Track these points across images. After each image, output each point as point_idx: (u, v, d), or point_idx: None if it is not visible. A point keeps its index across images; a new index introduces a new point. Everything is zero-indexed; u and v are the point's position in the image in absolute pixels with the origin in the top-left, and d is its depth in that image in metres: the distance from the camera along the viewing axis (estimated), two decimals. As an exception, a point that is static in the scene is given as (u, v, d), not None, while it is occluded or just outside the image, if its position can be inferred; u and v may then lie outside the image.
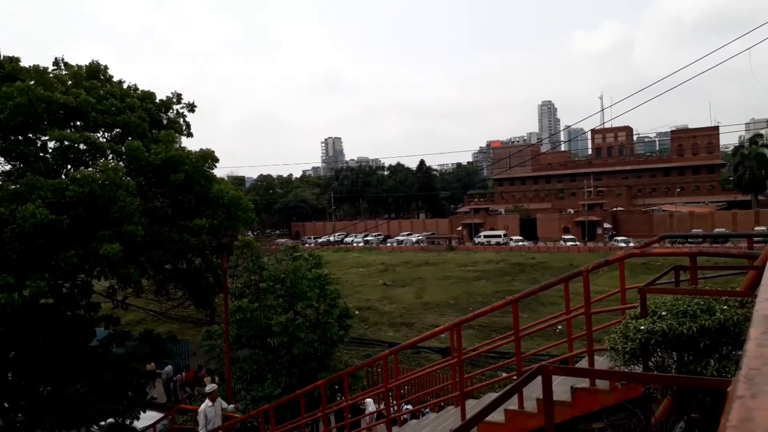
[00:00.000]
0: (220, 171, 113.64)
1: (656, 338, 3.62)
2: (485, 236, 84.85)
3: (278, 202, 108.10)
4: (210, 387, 11.54)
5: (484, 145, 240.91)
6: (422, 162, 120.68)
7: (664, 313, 3.70)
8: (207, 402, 11.17)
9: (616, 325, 4.41)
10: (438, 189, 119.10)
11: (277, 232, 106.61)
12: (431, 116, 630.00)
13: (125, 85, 15.78)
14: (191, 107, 17.77)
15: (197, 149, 15.86)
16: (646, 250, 6.36)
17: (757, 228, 66.15)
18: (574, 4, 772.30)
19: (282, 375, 13.62)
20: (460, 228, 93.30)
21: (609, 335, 4.27)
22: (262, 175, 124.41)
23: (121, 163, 13.09)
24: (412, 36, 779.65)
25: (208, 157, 14.82)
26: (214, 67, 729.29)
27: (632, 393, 5.78)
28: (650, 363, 3.83)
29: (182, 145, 19.03)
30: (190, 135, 18.49)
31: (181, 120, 17.99)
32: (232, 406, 12.20)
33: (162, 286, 17.84)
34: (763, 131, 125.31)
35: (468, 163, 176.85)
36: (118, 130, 14.06)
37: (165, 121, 17.22)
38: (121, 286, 14.45)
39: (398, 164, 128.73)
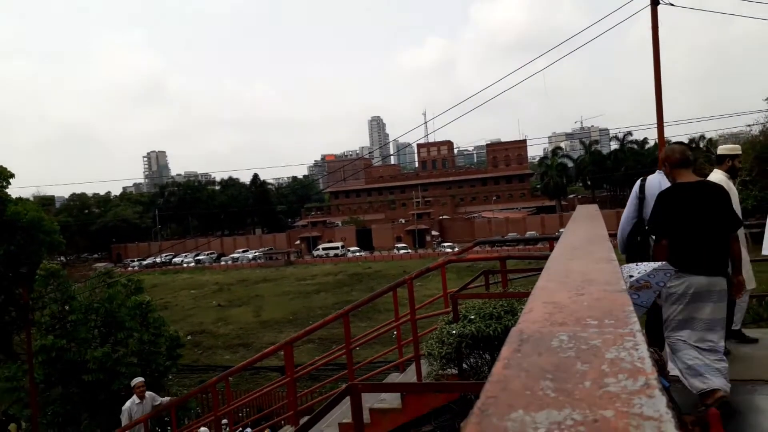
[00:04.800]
0: (23, 191, 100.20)
1: (467, 341, 3.85)
2: (323, 249, 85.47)
3: (95, 222, 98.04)
4: (136, 380, 9.61)
5: (319, 158, 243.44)
6: (256, 176, 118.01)
7: (473, 317, 3.95)
8: (134, 398, 9.36)
9: (433, 331, 4.62)
10: (274, 203, 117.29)
11: (95, 255, 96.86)
12: (263, 129, 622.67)
13: None
14: (-21, 118, 15.48)
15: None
16: (462, 256, 6.80)
17: (561, 230, 75.13)
18: (398, 22, 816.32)
19: (101, 414, 12.29)
20: (298, 242, 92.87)
21: (427, 341, 4.46)
22: (75, 194, 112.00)
23: None
24: (240, 49, 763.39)
25: (0, 175, 12.95)
26: (6, 73, 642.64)
27: (456, 394, 6.12)
28: (465, 365, 4.07)
29: (-31, 162, 16.48)
30: (-22, 150, 16.10)
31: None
32: (168, 398, 10.37)
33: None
34: (562, 144, 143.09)
35: (304, 176, 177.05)
36: None
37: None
38: None
39: (230, 178, 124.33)
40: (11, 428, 19.97)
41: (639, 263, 4.18)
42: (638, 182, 4.89)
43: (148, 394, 9.55)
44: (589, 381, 0.68)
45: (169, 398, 10.74)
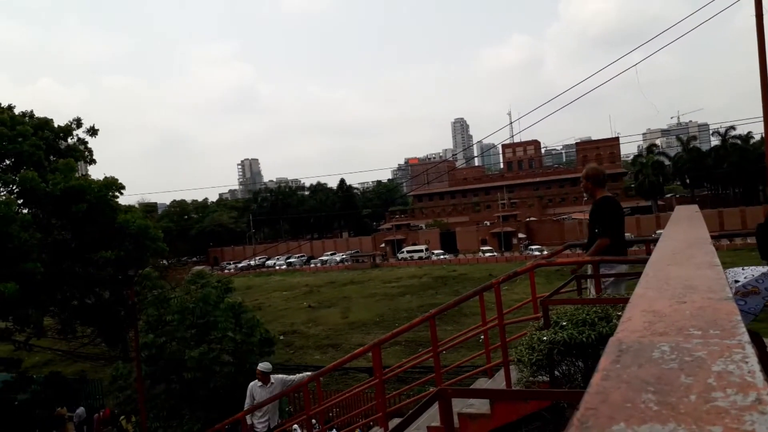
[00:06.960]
0: (129, 198, 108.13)
1: (559, 348, 3.74)
2: (408, 251, 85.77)
3: (194, 227, 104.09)
4: (262, 365, 9.55)
5: (402, 162, 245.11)
6: (342, 181, 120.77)
7: (564, 323, 3.84)
8: (256, 381, 9.39)
9: (523, 337, 4.53)
10: (360, 207, 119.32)
11: (194, 259, 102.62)
12: (348, 134, 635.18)
13: (17, 111, 14.77)
14: (93, 132, 16.93)
15: (102, 177, 15.11)
16: (551, 260, 6.61)
17: (658, 231, 71.01)
18: (483, 22, 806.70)
19: (201, 409, 13.00)
20: (383, 245, 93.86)
21: (516, 347, 4.38)
22: (175, 200, 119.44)
23: (13, 195, 12.13)
24: (324, 54, 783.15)
25: (112, 185, 14.10)
26: (115, 88, 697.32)
27: (547, 402, 5.95)
28: (556, 372, 3.95)
29: (85, 173, 18.07)
30: (92, 162, 17.59)
31: (83, 146, 17.11)
32: (306, 374, 10.33)
33: (67, 324, 16.74)
34: (657, 141, 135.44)
35: (388, 180, 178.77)
36: (9, 159, 13.08)
37: (64, 149, 16.31)
38: (18, 327, 13.39)
39: (318, 184, 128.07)
40: (122, 420, 21.61)
41: (745, 267, 3.92)
42: None
43: (276, 377, 9.51)
44: (694, 395, 0.65)
45: (307, 374, 10.45)
